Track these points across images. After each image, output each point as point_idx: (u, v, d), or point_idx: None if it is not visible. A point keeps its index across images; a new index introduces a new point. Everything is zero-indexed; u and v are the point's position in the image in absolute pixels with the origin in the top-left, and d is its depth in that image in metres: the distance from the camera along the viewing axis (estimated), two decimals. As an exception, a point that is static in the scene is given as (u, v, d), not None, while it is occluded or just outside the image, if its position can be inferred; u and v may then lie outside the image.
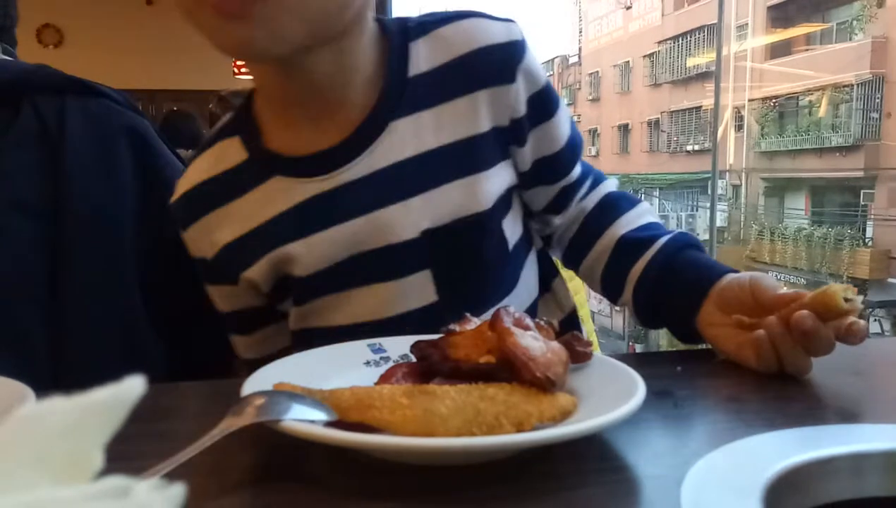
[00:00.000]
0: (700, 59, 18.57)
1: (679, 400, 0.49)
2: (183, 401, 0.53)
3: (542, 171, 0.68)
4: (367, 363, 0.51)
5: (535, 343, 0.42)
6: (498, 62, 0.63)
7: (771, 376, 0.52)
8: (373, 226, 0.61)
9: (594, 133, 22.67)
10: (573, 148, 0.70)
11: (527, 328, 0.44)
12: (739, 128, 18.20)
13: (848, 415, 0.46)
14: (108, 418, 0.14)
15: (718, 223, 15.74)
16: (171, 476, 0.33)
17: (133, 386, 0.14)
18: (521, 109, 0.64)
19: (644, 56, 20.71)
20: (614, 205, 0.72)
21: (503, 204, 0.66)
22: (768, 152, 17.20)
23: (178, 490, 0.14)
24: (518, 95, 0.64)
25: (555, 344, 0.43)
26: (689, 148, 18.52)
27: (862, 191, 14.33)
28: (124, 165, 0.80)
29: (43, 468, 0.13)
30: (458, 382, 0.42)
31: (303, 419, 0.37)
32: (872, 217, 13.81)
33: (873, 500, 0.36)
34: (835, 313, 0.50)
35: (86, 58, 7.60)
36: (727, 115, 17.98)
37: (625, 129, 21.54)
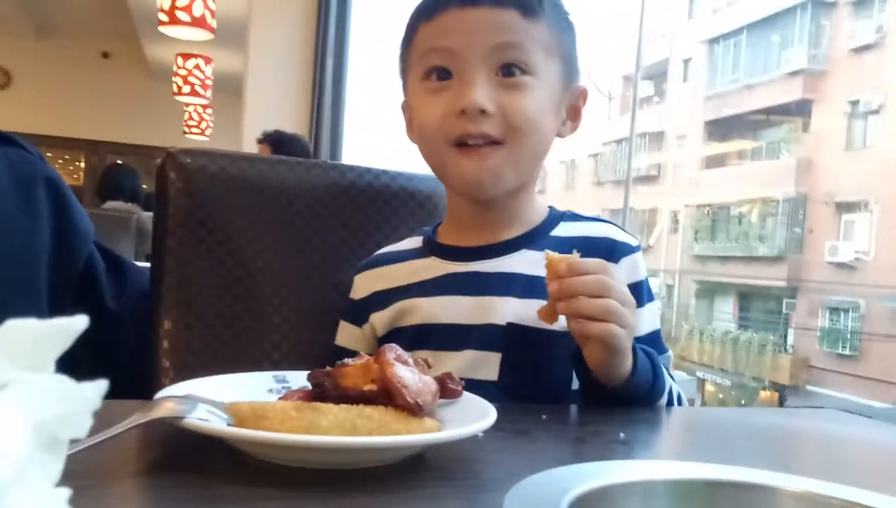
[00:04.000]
0: (641, 163, 19.43)
1: (536, 438, 0.57)
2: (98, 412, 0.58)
3: None
4: (270, 390, 0.58)
5: (410, 374, 0.50)
6: (610, 248, 0.83)
7: (615, 421, 0.61)
8: (477, 304, 0.80)
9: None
10: (652, 344, 0.79)
11: (406, 363, 0.52)
12: (675, 231, 18.91)
13: (652, 454, 0.55)
14: (61, 339, 0.21)
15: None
16: (84, 459, 0.40)
17: (80, 319, 0.22)
18: None
19: (590, 155, 21.55)
20: None
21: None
22: (701, 256, 17.90)
23: (102, 384, 0.21)
24: (616, 276, 0.79)
25: (427, 378, 0.52)
26: (627, 246, 19.10)
27: (784, 301, 14.99)
28: (42, 210, 0.87)
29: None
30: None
31: (203, 419, 0.44)
32: (794, 325, 14.40)
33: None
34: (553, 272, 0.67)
35: (32, 102, 7.57)
36: (664, 219, 18.73)
37: (567, 223, 22.15)
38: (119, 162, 5.33)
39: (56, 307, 0.86)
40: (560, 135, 0.85)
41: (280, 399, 0.54)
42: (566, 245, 0.83)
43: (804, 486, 0.44)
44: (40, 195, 0.87)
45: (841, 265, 13.52)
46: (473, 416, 0.52)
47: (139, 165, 4.92)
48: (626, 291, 0.68)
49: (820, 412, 0.88)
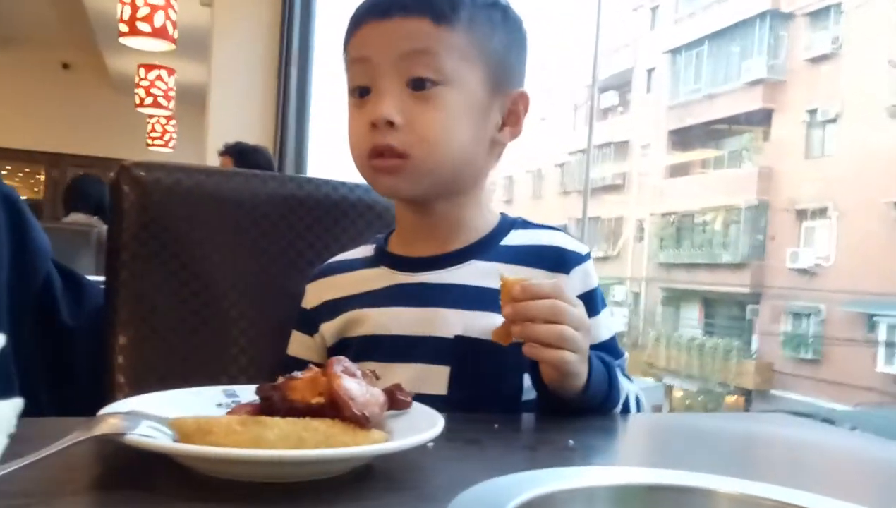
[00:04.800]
0: (606, 172, 19.66)
1: (486, 447, 0.58)
2: (42, 430, 0.57)
3: None
4: (220, 405, 0.58)
5: (357, 387, 0.50)
6: (561, 258, 0.83)
7: (566, 429, 0.62)
8: (424, 316, 0.80)
9: (506, 233, 23.20)
10: (609, 351, 0.81)
11: (353, 375, 0.52)
12: (641, 239, 19.13)
13: (599, 460, 0.56)
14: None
15: (619, 328, 16.30)
16: (25, 476, 0.39)
17: (17, 401, 0.22)
18: None
19: (556, 165, 21.72)
20: None
21: None
22: (666, 264, 18.12)
23: (17, 402, 0.21)
24: (569, 286, 0.79)
25: (375, 390, 0.52)
26: (594, 255, 19.27)
27: (748, 307, 15.24)
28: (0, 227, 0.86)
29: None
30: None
31: (145, 435, 0.44)
32: (757, 331, 14.65)
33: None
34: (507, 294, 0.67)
35: (-9, 114, 7.42)
36: (630, 227, 18.94)
37: (535, 232, 22.25)
38: (83, 173, 5.19)
39: (15, 326, 0.85)
40: (499, 141, 0.84)
41: (228, 413, 0.54)
42: (516, 254, 0.84)
43: (739, 488, 0.45)
44: None
45: (802, 271, 13.80)
46: (422, 426, 0.52)
47: (103, 178, 4.84)
48: (581, 314, 0.69)
49: (773, 416, 0.90)
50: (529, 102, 0.85)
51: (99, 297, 1.03)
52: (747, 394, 13.22)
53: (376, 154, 0.77)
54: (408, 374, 0.77)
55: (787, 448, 0.68)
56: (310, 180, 1.10)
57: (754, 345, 14.55)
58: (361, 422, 0.49)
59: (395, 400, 0.55)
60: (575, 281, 0.82)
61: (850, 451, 0.67)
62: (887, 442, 0.68)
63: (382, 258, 0.88)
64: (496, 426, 0.64)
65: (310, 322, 0.89)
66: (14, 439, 0.50)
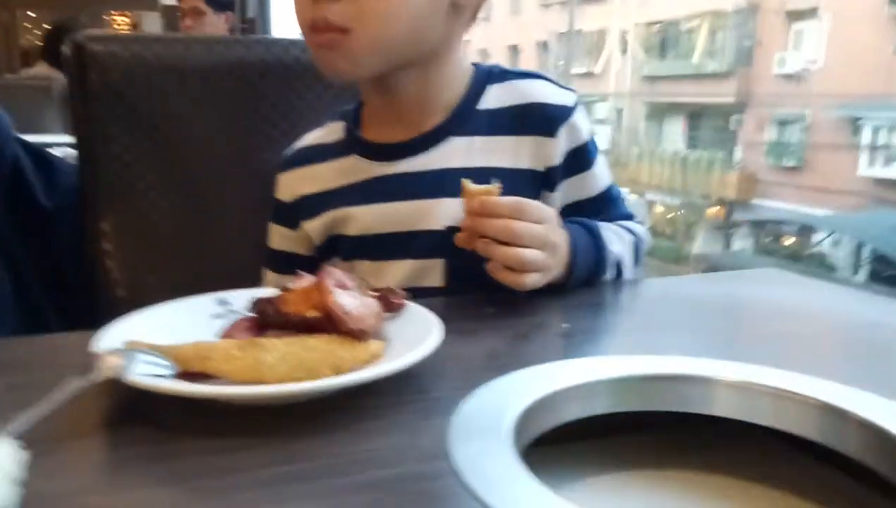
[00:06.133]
0: (589, -18, 18.60)
1: (482, 338, 0.59)
2: (38, 354, 0.57)
3: (573, 214, 0.78)
4: (214, 316, 0.58)
5: (351, 300, 0.50)
6: (546, 117, 0.78)
7: (558, 309, 0.63)
8: (412, 210, 0.76)
9: (483, 54, 22.40)
10: (606, 200, 0.81)
11: (346, 287, 0.51)
12: (625, 52, 18.54)
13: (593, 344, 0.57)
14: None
15: (602, 146, 16.28)
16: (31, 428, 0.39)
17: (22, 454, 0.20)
18: (557, 161, 0.78)
19: (536, -25, 20.45)
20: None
21: None
22: (650, 77, 17.73)
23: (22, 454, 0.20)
24: (556, 148, 0.78)
25: (369, 300, 0.51)
26: (574, 71, 18.79)
27: (733, 117, 15.13)
28: None
29: None
30: (289, 333, 0.50)
31: (147, 374, 0.44)
32: (742, 141, 14.67)
33: (604, 416, 0.47)
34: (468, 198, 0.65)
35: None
36: (613, 40, 18.29)
37: (515, 51, 21.51)
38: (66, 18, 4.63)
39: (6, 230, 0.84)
40: (461, 3, 0.74)
41: (225, 332, 0.53)
42: (495, 122, 0.78)
43: (736, 375, 0.46)
44: None
45: (789, 76, 13.55)
46: (419, 331, 0.52)
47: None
48: (543, 233, 0.66)
49: (761, 274, 0.91)
50: None
51: (72, 176, 1.00)
52: (729, 205, 13.49)
53: (314, 28, 0.70)
54: (404, 270, 0.76)
55: (779, 316, 0.69)
56: (276, 42, 1.03)
57: (738, 156, 14.63)
58: (358, 336, 0.49)
59: (389, 303, 0.54)
60: (561, 142, 0.79)
61: (845, 317, 0.69)
62: (881, 299, 0.69)
63: (354, 145, 0.82)
64: (492, 310, 0.65)
65: (289, 215, 0.85)
66: (12, 376, 0.50)
